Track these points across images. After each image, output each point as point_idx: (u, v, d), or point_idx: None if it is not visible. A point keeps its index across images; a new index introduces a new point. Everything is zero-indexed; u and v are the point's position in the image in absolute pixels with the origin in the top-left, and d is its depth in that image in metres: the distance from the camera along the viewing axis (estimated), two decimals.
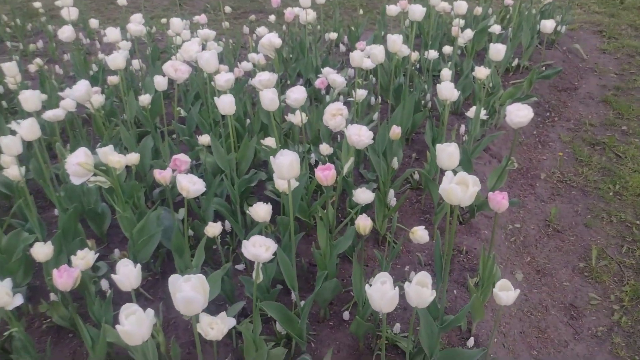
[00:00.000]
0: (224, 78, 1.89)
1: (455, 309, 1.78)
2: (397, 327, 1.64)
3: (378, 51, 1.96)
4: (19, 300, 1.29)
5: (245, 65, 2.74)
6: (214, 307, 1.70)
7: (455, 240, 2.15)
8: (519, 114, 1.72)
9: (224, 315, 1.27)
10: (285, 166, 1.23)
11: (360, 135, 1.59)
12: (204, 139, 2.11)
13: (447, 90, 1.93)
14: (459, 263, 2.01)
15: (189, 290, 0.85)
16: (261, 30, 2.94)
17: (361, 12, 4.41)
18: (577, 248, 2.27)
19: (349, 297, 1.86)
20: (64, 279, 1.18)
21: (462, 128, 2.59)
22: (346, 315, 1.74)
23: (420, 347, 1.44)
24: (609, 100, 3.39)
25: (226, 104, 1.64)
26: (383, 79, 2.97)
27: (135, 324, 0.90)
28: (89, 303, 1.57)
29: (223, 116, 2.16)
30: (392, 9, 2.82)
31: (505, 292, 1.29)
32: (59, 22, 4.07)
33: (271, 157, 1.27)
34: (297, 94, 1.78)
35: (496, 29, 3.08)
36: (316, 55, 3.14)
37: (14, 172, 1.86)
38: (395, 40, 2.04)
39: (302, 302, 1.56)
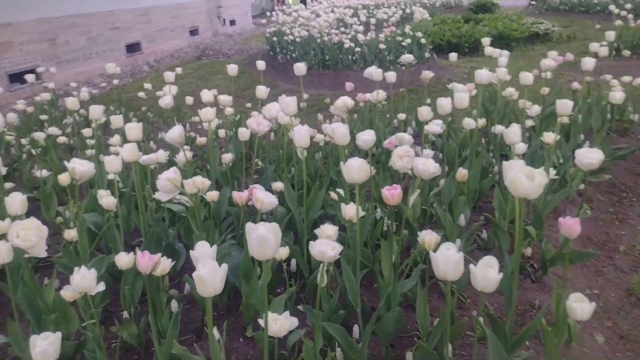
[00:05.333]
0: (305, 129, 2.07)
1: None
2: None
3: (446, 102, 2.08)
4: (101, 286, 1.40)
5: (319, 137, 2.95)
6: None
7: (527, 296, 2.06)
8: (590, 155, 1.74)
9: (287, 314, 1.30)
10: (355, 168, 1.32)
11: (426, 164, 1.67)
12: (278, 185, 2.26)
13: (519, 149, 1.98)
14: (531, 317, 1.90)
15: (263, 230, 0.92)
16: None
17: (428, 100, 4.66)
18: None
19: (412, 342, 1.80)
20: (145, 260, 1.29)
21: None
22: (409, 356, 1.68)
23: None
24: None
25: (302, 136, 1.78)
26: (449, 151, 3.06)
27: (210, 272, 0.97)
28: (159, 315, 1.65)
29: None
30: (458, 87, 2.99)
31: (580, 304, 1.23)
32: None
33: (342, 164, 1.37)
34: (367, 135, 1.91)
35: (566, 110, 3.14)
36: (384, 132, 3.32)
37: (107, 201, 2.07)
38: (463, 97, 2.16)
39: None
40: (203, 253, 1.21)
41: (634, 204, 3.07)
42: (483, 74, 2.21)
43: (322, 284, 1.36)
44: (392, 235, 1.79)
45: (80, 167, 1.62)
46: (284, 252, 1.70)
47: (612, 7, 7.34)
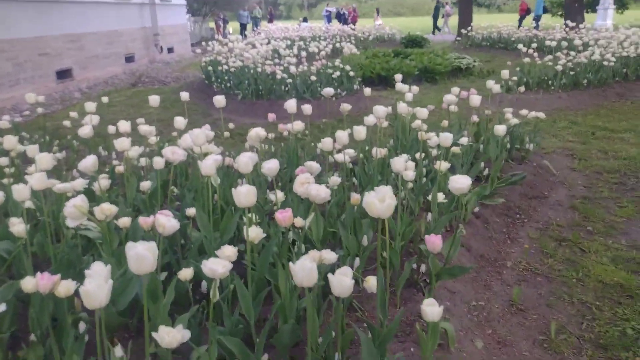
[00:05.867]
0: (212, 159, 2.23)
1: None
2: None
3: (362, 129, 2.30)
4: (3, 307, 1.47)
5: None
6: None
7: (416, 308, 2.27)
8: (459, 181, 2.00)
9: (180, 327, 1.43)
10: (243, 194, 1.48)
11: (318, 190, 1.86)
12: (190, 211, 2.38)
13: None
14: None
15: (141, 248, 1.06)
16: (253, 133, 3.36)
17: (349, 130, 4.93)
18: (538, 324, 2.36)
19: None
20: (44, 281, 1.38)
21: (429, 215, 2.84)
22: None
23: None
24: (576, 207, 3.65)
25: (208, 166, 1.94)
26: (362, 177, 3.30)
27: (96, 287, 1.09)
28: (65, 336, 1.72)
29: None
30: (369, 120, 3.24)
31: (431, 307, 1.44)
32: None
33: (233, 190, 1.53)
34: (271, 164, 2.09)
35: (464, 140, 3.47)
36: (304, 159, 3.52)
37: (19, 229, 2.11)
38: (360, 130, 2.40)
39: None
40: (98, 272, 1.32)
41: (525, 224, 3.42)
42: (400, 107, 2.48)
43: (214, 299, 1.50)
44: (299, 254, 1.95)
45: None
46: (188, 273, 1.82)
47: (520, 46, 8.04)
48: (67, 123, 4.63)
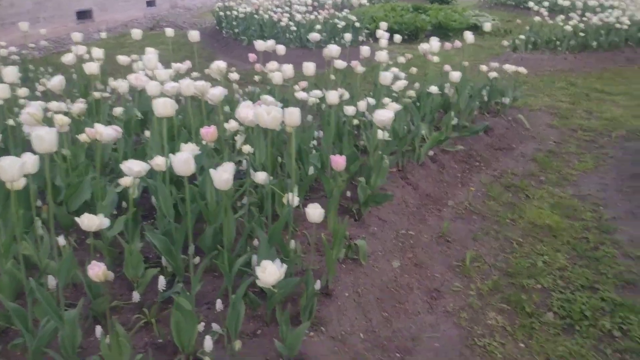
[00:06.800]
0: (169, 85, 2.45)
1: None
2: None
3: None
4: None
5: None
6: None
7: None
8: (383, 114, 2.19)
9: (101, 216, 1.69)
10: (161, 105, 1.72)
11: (269, 111, 2.06)
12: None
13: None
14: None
15: (42, 131, 1.31)
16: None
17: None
18: (459, 254, 2.58)
19: None
20: None
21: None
22: None
23: None
24: (538, 159, 3.78)
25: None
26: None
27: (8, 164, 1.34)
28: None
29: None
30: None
31: (313, 209, 1.66)
32: None
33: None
34: (217, 90, 2.30)
35: (433, 89, 3.60)
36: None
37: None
38: (308, 66, 2.59)
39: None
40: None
41: (481, 172, 3.58)
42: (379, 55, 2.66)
43: (133, 195, 1.76)
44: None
45: None
46: (128, 180, 2.09)
47: (530, 4, 7.89)
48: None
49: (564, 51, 7.22)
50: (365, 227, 2.53)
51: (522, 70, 4.36)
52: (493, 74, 4.21)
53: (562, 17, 7.65)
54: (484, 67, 4.18)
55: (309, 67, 2.71)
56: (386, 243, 2.50)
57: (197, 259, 2.01)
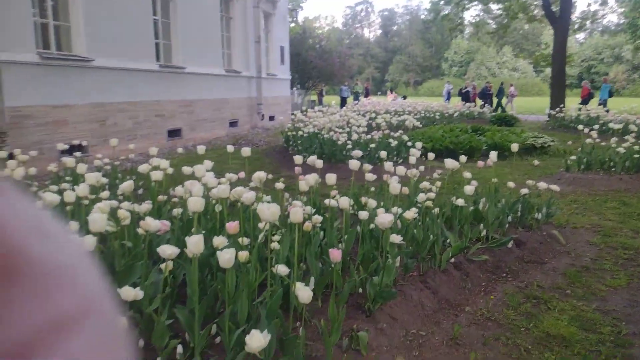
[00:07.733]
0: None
1: None
2: None
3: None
4: None
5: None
6: None
7: (352, 325, 2.74)
8: (384, 217, 2.53)
9: (137, 289, 2.11)
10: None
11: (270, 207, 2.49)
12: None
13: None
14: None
15: (96, 215, 1.78)
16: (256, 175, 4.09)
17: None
18: (465, 357, 2.68)
19: None
20: None
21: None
22: None
23: None
24: (568, 273, 3.82)
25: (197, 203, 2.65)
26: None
27: None
28: None
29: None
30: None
31: (302, 291, 1.97)
32: None
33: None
34: (249, 193, 2.77)
35: (460, 202, 3.90)
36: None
37: None
38: (330, 177, 3.03)
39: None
40: None
41: (507, 282, 3.68)
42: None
43: (165, 273, 2.17)
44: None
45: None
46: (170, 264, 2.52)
47: (580, 127, 8.10)
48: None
49: (619, 172, 7.25)
50: (374, 323, 2.74)
51: (555, 187, 4.54)
52: (524, 190, 4.44)
53: (615, 139, 7.78)
54: (529, 182, 4.46)
55: (331, 178, 3.13)
56: (393, 339, 2.69)
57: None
